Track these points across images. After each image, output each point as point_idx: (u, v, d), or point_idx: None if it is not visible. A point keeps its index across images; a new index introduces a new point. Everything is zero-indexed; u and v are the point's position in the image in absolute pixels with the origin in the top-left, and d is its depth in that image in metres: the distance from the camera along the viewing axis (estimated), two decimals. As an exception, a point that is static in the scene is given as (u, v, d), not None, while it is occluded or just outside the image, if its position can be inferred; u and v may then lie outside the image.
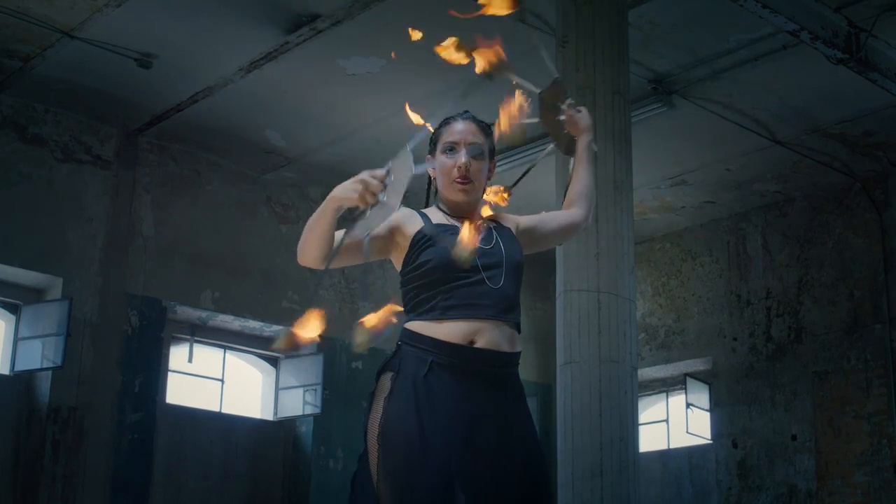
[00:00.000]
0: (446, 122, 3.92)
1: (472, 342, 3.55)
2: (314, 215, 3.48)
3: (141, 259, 12.35)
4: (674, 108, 11.44)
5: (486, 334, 3.55)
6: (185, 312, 12.79)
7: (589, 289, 8.10)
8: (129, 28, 10.37)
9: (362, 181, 3.29)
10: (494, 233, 3.77)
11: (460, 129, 3.85)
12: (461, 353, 3.54)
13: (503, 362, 3.59)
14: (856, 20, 9.88)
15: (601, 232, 8.20)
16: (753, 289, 14.03)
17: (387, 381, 3.63)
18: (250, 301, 13.05)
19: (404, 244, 3.70)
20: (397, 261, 3.74)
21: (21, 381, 11.58)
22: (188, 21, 10.27)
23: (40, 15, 10.16)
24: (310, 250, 3.59)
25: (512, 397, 3.63)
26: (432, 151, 3.88)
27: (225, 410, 13.20)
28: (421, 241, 3.66)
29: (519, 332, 3.68)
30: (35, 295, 11.94)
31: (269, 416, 13.48)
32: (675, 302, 14.77)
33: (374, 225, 3.33)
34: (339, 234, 3.49)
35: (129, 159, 12.45)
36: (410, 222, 3.72)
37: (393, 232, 3.69)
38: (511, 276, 3.66)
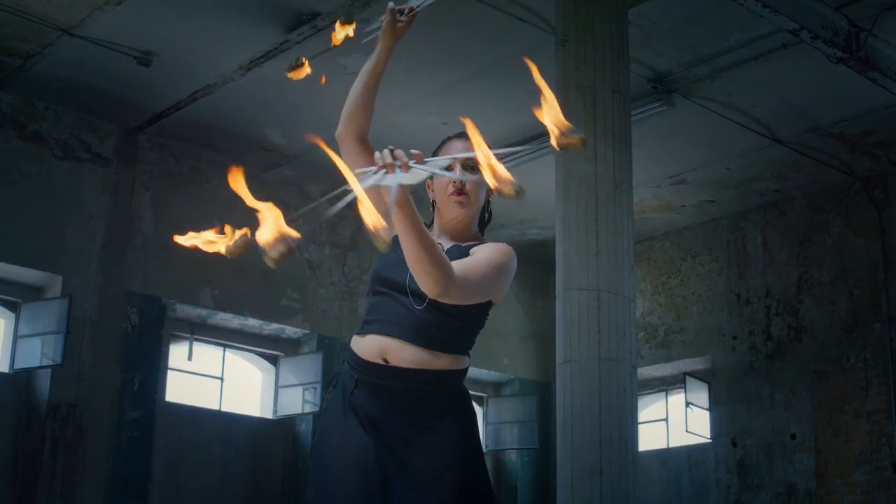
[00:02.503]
0: (444, 141, 3.93)
1: (385, 360, 3.55)
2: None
3: (140, 257, 12.36)
4: (674, 107, 11.44)
5: (396, 353, 3.53)
6: (185, 310, 12.79)
7: (589, 287, 8.10)
8: (129, 26, 10.37)
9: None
10: (453, 253, 3.71)
11: (457, 147, 3.88)
12: (374, 371, 3.56)
13: (416, 379, 3.55)
14: (856, 19, 9.88)
15: (601, 231, 8.21)
16: (753, 288, 14.04)
17: (326, 397, 3.72)
18: (250, 299, 13.06)
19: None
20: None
21: (20, 378, 11.59)
22: (188, 19, 10.27)
23: (40, 13, 10.16)
24: (343, 120, 3.84)
25: (433, 415, 3.58)
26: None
27: (224, 408, 13.21)
28: (382, 263, 3.71)
29: (449, 351, 3.58)
30: (35, 293, 11.95)
31: (269, 415, 13.49)
32: (675, 301, 14.78)
33: (401, 181, 3.28)
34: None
35: (129, 157, 12.45)
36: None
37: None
38: (436, 302, 3.48)
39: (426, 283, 3.26)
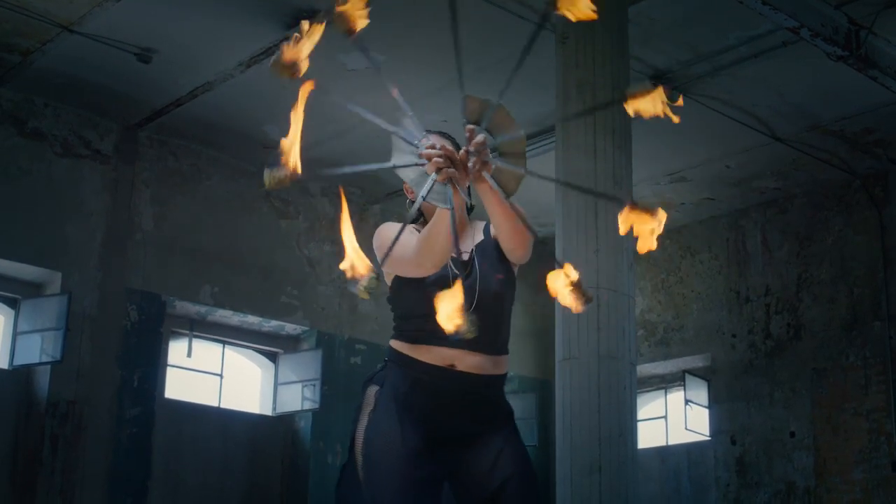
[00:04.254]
0: (425, 134, 3.90)
1: (452, 366, 3.62)
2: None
3: (140, 254, 12.35)
4: (673, 105, 11.42)
5: (465, 360, 3.62)
6: (185, 307, 12.79)
7: (588, 285, 8.09)
8: (129, 23, 10.36)
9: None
10: (475, 258, 3.75)
11: (432, 141, 3.77)
12: (441, 374, 3.61)
13: (483, 384, 3.64)
14: (856, 17, 9.88)
15: (600, 228, 8.21)
16: (753, 286, 14.03)
17: (372, 395, 3.69)
18: (249, 296, 13.05)
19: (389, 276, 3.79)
20: (388, 275, 3.76)
21: (20, 375, 11.58)
22: (188, 16, 10.27)
23: (40, 9, 10.16)
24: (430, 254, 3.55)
25: (491, 417, 3.67)
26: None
27: (224, 405, 13.21)
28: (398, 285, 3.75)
29: (504, 353, 3.72)
30: (34, 289, 11.95)
31: (268, 412, 13.49)
32: (675, 298, 14.77)
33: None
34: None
35: (129, 154, 12.45)
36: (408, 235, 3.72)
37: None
38: (486, 309, 3.60)
39: (514, 237, 3.53)
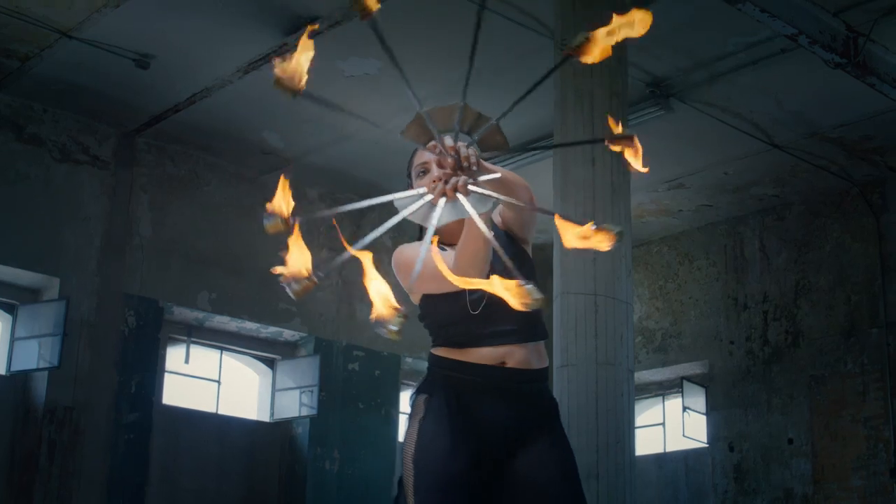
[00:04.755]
0: (415, 151, 3.86)
1: (503, 363, 3.62)
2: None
3: (138, 259, 12.35)
4: (671, 112, 11.44)
5: (515, 355, 3.62)
6: (182, 313, 12.79)
7: (586, 292, 8.10)
8: (128, 29, 10.37)
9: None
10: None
11: (424, 158, 3.72)
12: (493, 373, 3.61)
13: (531, 379, 3.66)
14: (854, 24, 9.89)
15: (598, 235, 8.20)
16: (750, 292, 14.03)
17: (421, 403, 3.67)
18: (247, 302, 13.05)
19: (416, 296, 3.75)
20: (415, 294, 3.75)
21: (17, 381, 11.58)
22: (186, 22, 10.27)
23: (39, 15, 10.16)
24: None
25: (544, 413, 3.71)
26: (410, 185, 3.80)
27: (221, 411, 13.20)
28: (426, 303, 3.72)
29: (545, 336, 3.73)
30: (32, 295, 11.94)
31: (266, 418, 13.48)
32: (672, 305, 14.77)
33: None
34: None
35: (127, 159, 12.45)
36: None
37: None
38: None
39: (522, 204, 3.40)
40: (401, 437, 14.02)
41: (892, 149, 12.40)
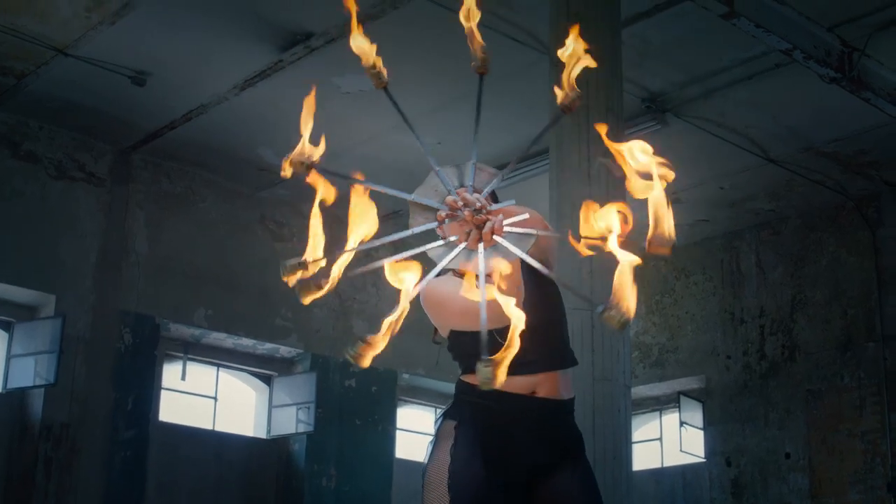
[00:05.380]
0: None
1: (533, 392, 3.63)
2: None
3: (134, 276, 12.34)
4: (667, 127, 11.46)
5: (545, 385, 3.64)
6: (179, 330, 12.77)
7: (581, 307, 8.10)
8: (123, 46, 10.38)
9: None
10: (522, 283, 3.73)
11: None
12: (523, 403, 3.62)
13: (559, 409, 3.68)
14: (848, 39, 9.92)
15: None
16: (747, 307, 14.04)
17: (450, 428, 3.67)
18: (244, 318, 13.04)
19: (444, 330, 3.75)
20: (443, 328, 3.74)
21: (13, 398, 11.56)
22: (182, 39, 10.28)
23: (35, 32, 10.17)
24: None
25: (571, 445, 3.72)
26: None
27: (218, 428, 13.18)
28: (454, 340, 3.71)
29: (574, 362, 3.77)
30: (28, 312, 11.92)
31: (263, 434, 13.46)
32: (669, 320, 14.77)
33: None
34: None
35: (123, 176, 12.45)
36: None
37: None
38: (545, 325, 3.60)
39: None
40: (398, 454, 14.05)
41: (888, 163, 12.42)
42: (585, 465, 3.76)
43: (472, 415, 3.65)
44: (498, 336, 3.58)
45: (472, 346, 3.65)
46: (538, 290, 3.71)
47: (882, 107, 10.63)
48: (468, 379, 3.70)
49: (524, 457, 3.61)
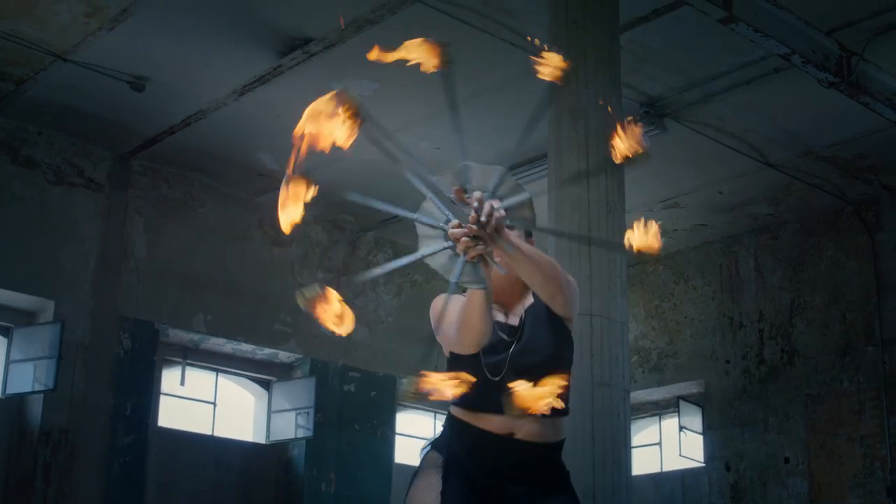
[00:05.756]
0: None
1: (511, 434, 3.61)
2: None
3: (133, 281, 12.34)
4: (666, 131, 11.46)
5: (525, 428, 3.61)
6: (178, 335, 12.77)
7: (581, 312, 8.05)
8: (122, 51, 10.38)
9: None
10: (524, 323, 3.71)
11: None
12: (501, 442, 3.61)
13: (541, 451, 3.67)
14: (847, 44, 9.93)
15: (593, 255, 8.20)
16: (746, 311, 14.03)
17: (433, 458, 3.72)
18: (243, 324, 13.03)
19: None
20: (445, 347, 3.73)
21: (12, 403, 11.55)
22: (181, 44, 10.29)
23: (33, 38, 10.17)
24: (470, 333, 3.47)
25: (549, 479, 3.71)
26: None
27: (217, 433, 13.17)
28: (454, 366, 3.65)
29: (564, 414, 3.66)
30: (27, 318, 11.92)
31: (262, 440, 13.45)
32: (668, 324, 14.77)
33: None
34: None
35: (122, 182, 12.44)
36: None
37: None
38: (539, 373, 3.43)
39: (546, 287, 3.47)
40: (397, 458, 14.03)
41: (886, 167, 12.43)
42: (572, 497, 3.75)
43: (454, 448, 3.66)
44: (487, 367, 3.56)
45: (468, 373, 3.63)
46: (545, 338, 3.66)
47: (881, 111, 10.63)
48: (455, 411, 3.70)
49: (504, 490, 3.61)
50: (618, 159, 2.88)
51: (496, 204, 3.00)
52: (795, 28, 9.54)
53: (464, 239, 2.99)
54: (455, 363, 3.64)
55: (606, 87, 8.64)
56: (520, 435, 3.59)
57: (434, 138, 11.44)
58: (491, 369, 3.57)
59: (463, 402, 3.63)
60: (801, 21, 9.61)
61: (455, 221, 2.98)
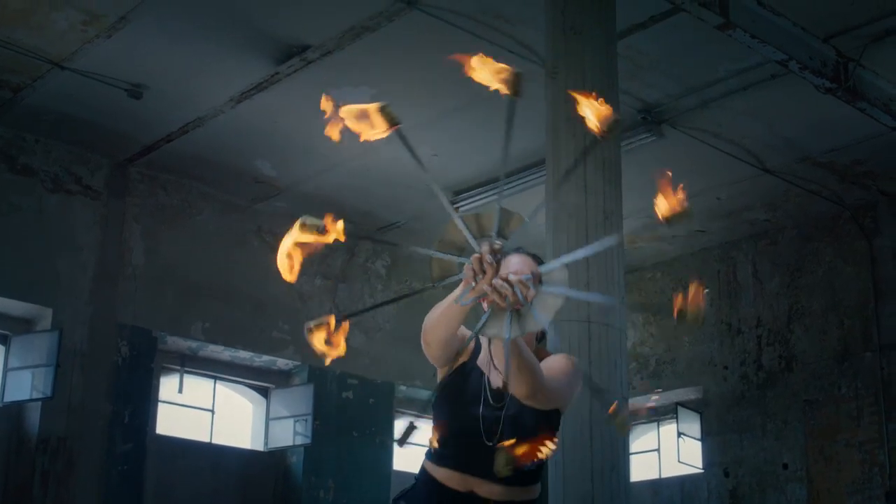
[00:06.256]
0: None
1: (471, 491, 3.57)
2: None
3: (131, 289, 12.33)
4: (663, 138, 11.46)
5: (484, 487, 3.56)
6: (176, 342, 12.76)
7: (579, 319, 8.09)
8: (120, 59, 10.39)
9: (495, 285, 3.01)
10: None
11: (515, 265, 3.57)
12: (461, 499, 3.57)
13: None
14: (844, 50, 9.94)
15: (591, 261, 8.20)
16: (744, 317, 14.03)
17: None
18: (241, 331, 13.03)
19: (443, 371, 3.65)
20: (439, 372, 3.68)
21: (10, 411, 11.54)
22: (179, 52, 10.29)
23: (31, 45, 10.18)
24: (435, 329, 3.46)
25: None
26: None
27: (215, 441, 13.16)
28: (452, 382, 3.62)
29: (533, 483, 3.62)
30: (24, 325, 11.91)
31: (260, 447, 13.43)
32: (666, 331, 14.76)
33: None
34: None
35: (119, 189, 12.44)
36: (466, 347, 3.59)
37: (455, 344, 3.56)
38: (511, 434, 3.43)
39: (521, 390, 3.32)
40: (396, 466, 14.02)
41: (884, 173, 12.44)
42: None
43: (418, 499, 3.65)
44: (485, 432, 3.53)
45: (442, 423, 3.61)
46: (523, 405, 3.54)
47: (878, 117, 10.64)
48: (425, 461, 3.69)
49: None
50: (661, 218, 2.85)
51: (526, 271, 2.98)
52: (792, 34, 9.55)
53: (497, 289, 2.96)
54: (438, 409, 3.63)
55: (603, 94, 8.63)
56: (482, 492, 3.54)
57: (431, 144, 11.44)
58: (487, 433, 3.54)
59: (432, 454, 3.64)
60: (798, 27, 9.62)
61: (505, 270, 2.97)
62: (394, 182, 12.26)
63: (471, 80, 2.92)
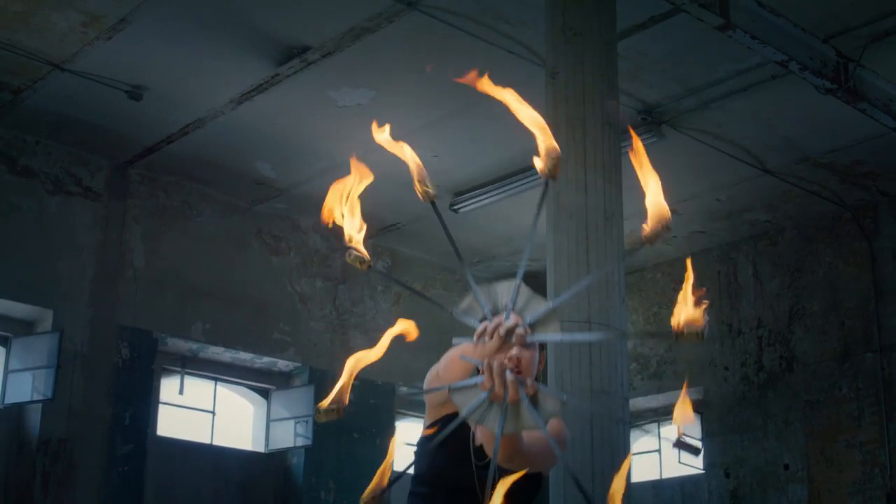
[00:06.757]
0: None
1: None
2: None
3: (131, 290, 12.33)
4: (663, 139, 11.46)
5: None
6: (176, 344, 12.76)
7: (580, 320, 8.08)
8: (120, 60, 10.39)
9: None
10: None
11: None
12: None
13: None
14: (844, 50, 9.93)
15: (592, 262, 8.20)
16: (744, 318, 14.03)
17: None
18: (241, 332, 13.03)
19: (438, 410, 3.60)
20: (429, 412, 3.64)
21: (11, 413, 11.54)
22: (179, 53, 10.29)
23: (31, 47, 10.18)
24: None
25: None
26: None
27: (216, 442, 13.16)
28: (441, 429, 3.57)
29: None
30: (25, 327, 11.91)
31: (261, 448, 13.44)
32: (667, 331, 14.73)
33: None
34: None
35: (120, 191, 12.45)
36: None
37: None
38: (471, 496, 3.45)
39: (500, 456, 3.15)
40: (396, 467, 14.01)
41: (884, 173, 12.43)
42: None
43: None
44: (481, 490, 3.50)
45: (424, 469, 3.59)
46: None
47: (878, 117, 10.64)
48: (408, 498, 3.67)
49: None
50: (676, 329, 2.70)
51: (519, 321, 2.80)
52: (792, 35, 9.55)
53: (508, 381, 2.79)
54: (421, 454, 3.62)
55: (604, 95, 8.64)
56: None
57: (431, 147, 11.44)
58: (456, 483, 3.53)
59: (411, 497, 3.66)
60: (798, 28, 9.62)
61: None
62: (394, 183, 12.26)
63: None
